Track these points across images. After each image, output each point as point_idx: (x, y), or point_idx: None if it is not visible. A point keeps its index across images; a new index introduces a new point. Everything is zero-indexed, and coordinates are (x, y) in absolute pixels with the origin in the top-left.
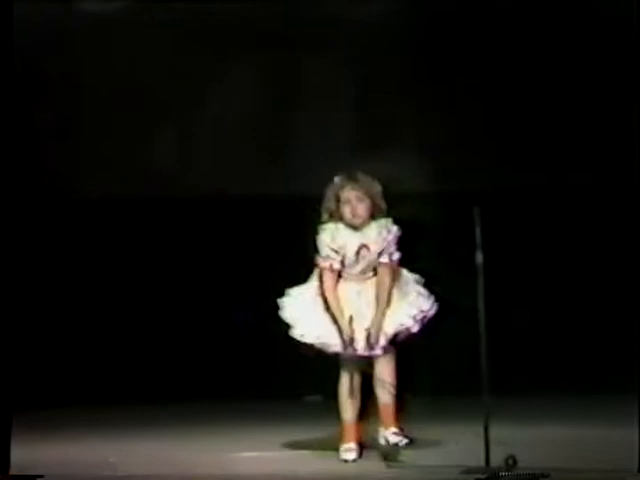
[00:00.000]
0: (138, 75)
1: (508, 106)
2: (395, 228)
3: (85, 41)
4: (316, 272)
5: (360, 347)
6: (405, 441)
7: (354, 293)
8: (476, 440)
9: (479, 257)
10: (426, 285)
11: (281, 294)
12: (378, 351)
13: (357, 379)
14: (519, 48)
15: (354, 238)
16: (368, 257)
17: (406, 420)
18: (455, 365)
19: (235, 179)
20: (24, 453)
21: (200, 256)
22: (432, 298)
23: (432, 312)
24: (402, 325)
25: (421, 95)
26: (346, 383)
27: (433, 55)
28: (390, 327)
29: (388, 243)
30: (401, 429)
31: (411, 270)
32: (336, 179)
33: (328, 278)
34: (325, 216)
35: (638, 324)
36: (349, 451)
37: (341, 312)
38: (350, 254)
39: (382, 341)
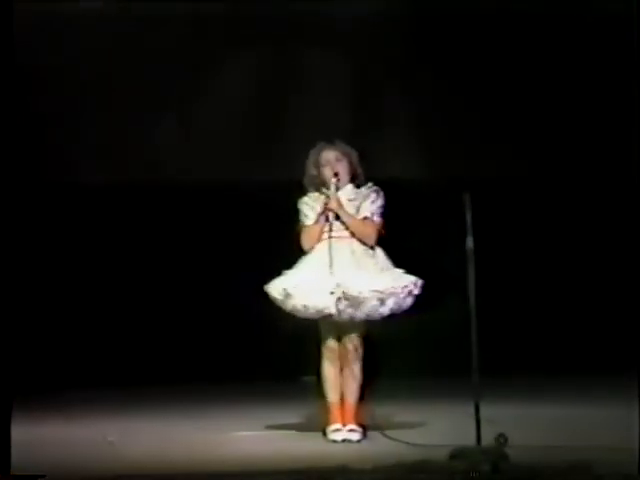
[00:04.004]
0: (137, 66)
1: (507, 97)
2: (375, 192)
3: (85, 34)
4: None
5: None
6: (359, 438)
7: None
8: (467, 419)
9: (469, 242)
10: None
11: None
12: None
13: (339, 360)
14: (514, 40)
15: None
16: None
17: (398, 400)
18: (446, 345)
19: (230, 166)
20: (24, 453)
21: (185, 243)
22: (412, 278)
23: (407, 290)
24: (376, 291)
25: (416, 84)
26: (329, 365)
27: (427, 46)
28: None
29: (367, 202)
30: (361, 425)
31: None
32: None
33: (306, 234)
34: (310, 189)
35: (635, 303)
36: (337, 432)
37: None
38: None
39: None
